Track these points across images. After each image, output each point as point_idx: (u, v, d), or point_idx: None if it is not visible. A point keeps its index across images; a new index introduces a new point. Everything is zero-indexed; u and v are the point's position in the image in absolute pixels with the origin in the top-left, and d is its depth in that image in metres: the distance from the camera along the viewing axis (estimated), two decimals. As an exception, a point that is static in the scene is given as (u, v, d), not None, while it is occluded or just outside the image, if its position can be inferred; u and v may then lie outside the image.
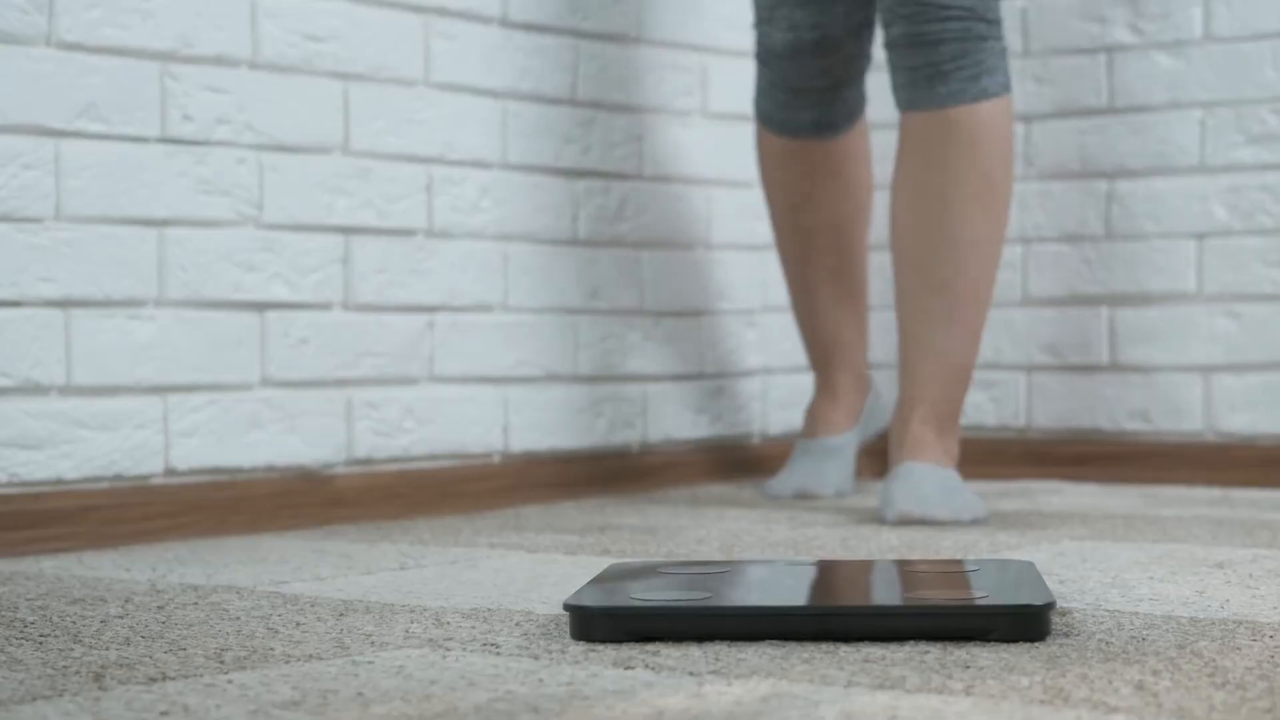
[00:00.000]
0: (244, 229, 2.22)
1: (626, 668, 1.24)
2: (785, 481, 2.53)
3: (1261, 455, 2.63)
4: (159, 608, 1.56)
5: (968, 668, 1.22)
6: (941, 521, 2.15)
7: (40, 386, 2.04)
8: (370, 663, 1.27)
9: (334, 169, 2.31)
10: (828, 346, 2.58)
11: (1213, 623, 1.40)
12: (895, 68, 2.25)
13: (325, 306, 2.30)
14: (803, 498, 2.49)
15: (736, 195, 2.86)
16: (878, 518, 2.20)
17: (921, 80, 2.22)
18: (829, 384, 2.60)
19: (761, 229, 2.89)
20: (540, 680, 1.20)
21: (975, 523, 2.16)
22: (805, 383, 2.95)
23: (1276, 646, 1.30)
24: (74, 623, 1.48)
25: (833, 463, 2.55)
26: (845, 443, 2.59)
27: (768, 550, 1.94)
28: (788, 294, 2.63)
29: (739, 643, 1.33)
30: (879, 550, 1.91)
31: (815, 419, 2.61)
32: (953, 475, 2.24)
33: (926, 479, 2.20)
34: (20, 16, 2.02)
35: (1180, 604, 1.50)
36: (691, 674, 1.21)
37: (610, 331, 2.64)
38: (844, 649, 1.30)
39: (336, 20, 2.31)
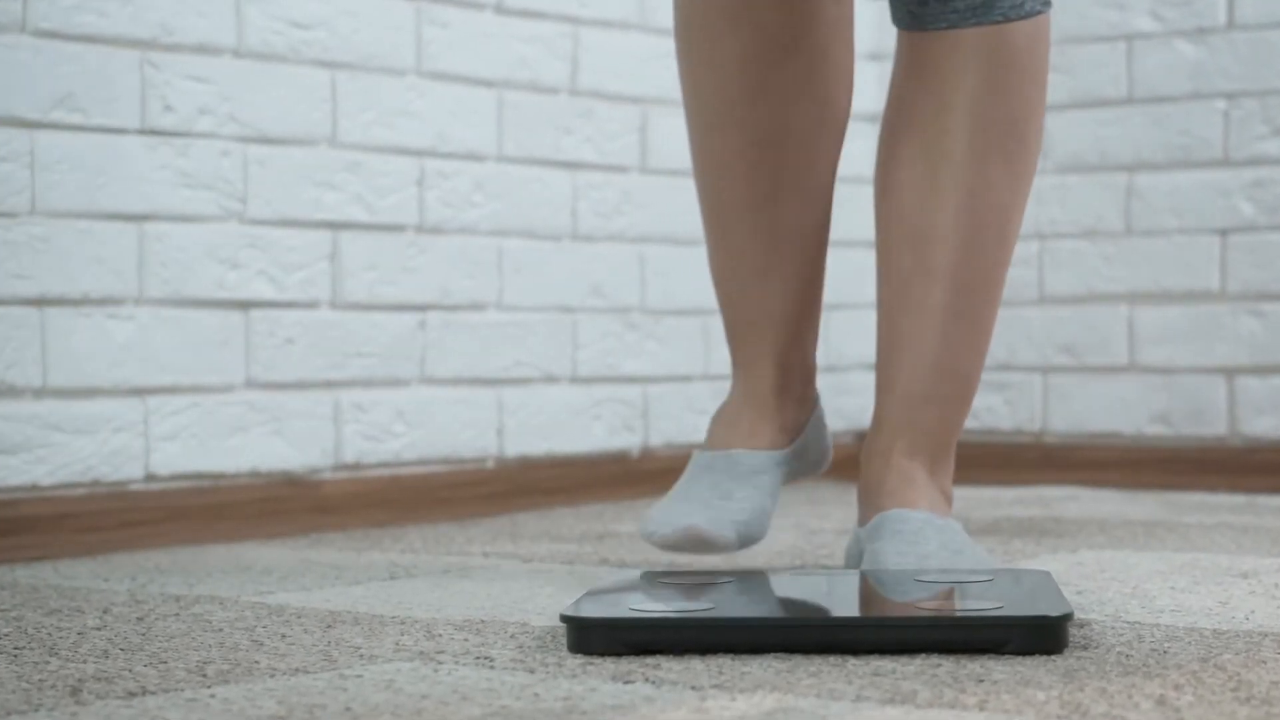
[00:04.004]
0: (227, 224, 2.22)
1: (626, 681, 1.24)
2: (668, 516, 1.74)
3: (1287, 460, 2.66)
4: (139, 619, 1.56)
5: (981, 681, 1.21)
6: None
7: (15, 388, 2.03)
8: (359, 676, 1.27)
9: (321, 162, 2.31)
10: (768, 323, 1.82)
11: (1237, 635, 1.39)
12: None
13: (312, 305, 2.30)
14: (689, 546, 1.72)
15: (741, 192, 2.84)
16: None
17: None
18: (761, 378, 1.83)
19: (767, 227, 2.85)
20: (536, 695, 1.19)
21: None
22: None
23: (1308, 659, 1.30)
24: (50, 634, 1.48)
25: (744, 490, 1.77)
26: (767, 464, 1.80)
27: (773, 558, 1.93)
28: (708, 241, 1.85)
29: (743, 655, 1.32)
30: (891, 558, 1.88)
31: (729, 424, 1.83)
32: (956, 529, 1.72)
33: (924, 532, 1.69)
34: (-8, 2, 2.04)
35: (1203, 615, 1.50)
36: (693, 688, 1.21)
37: (609, 331, 2.64)
38: (852, 661, 1.29)
39: (324, 7, 2.31)
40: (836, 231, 2.95)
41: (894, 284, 1.75)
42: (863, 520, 1.75)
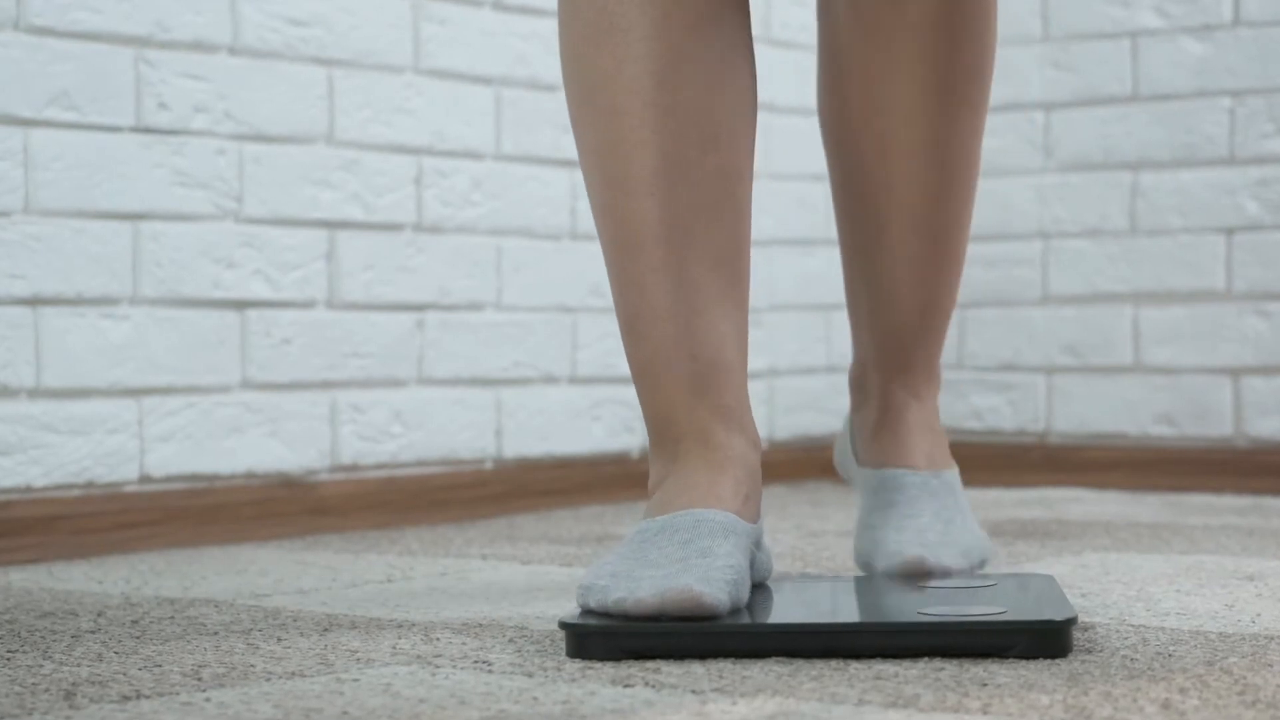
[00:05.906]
0: (223, 223, 2.21)
1: (625, 685, 1.23)
2: (638, 581, 1.39)
3: (1293, 461, 2.65)
4: (133, 622, 1.56)
5: (985, 685, 1.21)
6: (951, 571, 1.60)
7: (9, 389, 2.03)
8: (356, 680, 1.27)
9: (318, 160, 2.30)
10: (717, 373, 1.53)
11: (1243, 638, 1.39)
12: None
13: (309, 305, 2.29)
14: (676, 615, 1.36)
15: (742, 191, 2.84)
16: (861, 563, 1.67)
17: None
18: (716, 446, 1.52)
19: (769, 224, 2.83)
20: (535, 699, 1.19)
21: (982, 565, 1.65)
22: (815, 385, 2.91)
23: (1314, 663, 1.29)
24: (43, 638, 1.48)
25: (725, 545, 1.44)
26: (739, 526, 1.47)
27: (774, 562, 1.91)
28: (620, 280, 1.54)
29: (744, 659, 1.32)
30: (894, 560, 1.87)
31: (680, 490, 1.51)
32: (950, 487, 1.70)
33: (920, 500, 1.66)
34: (-15, -2, 2.04)
35: (1209, 618, 1.49)
36: (694, 692, 1.20)
37: (609, 331, 2.63)
38: (854, 666, 1.29)
39: (320, 4, 2.31)
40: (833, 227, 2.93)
41: (865, 234, 1.68)
42: (863, 460, 1.73)
